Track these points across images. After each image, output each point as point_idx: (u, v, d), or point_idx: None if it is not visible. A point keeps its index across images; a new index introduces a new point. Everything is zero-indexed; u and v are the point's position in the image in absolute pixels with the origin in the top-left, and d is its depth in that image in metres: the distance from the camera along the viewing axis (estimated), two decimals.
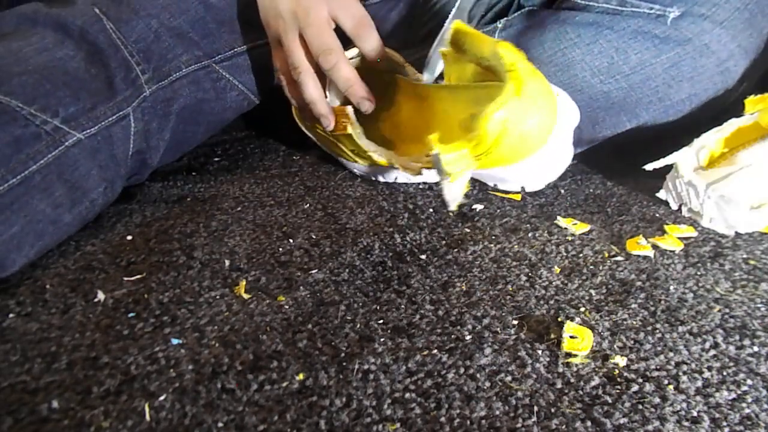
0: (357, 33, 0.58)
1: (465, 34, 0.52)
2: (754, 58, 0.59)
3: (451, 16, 0.58)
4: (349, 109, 0.60)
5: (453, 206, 0.51)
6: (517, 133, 0.49)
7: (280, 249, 0.53)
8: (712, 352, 0.40)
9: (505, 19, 0.63)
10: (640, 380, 0.38)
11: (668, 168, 0.58)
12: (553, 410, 0.36)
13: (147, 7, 0.60)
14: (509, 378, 0.38)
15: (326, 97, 0.61)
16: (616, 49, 0.58)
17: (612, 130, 0.61)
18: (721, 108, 0.60)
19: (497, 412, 0.36)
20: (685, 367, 0.39)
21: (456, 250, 0.52)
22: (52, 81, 0.53)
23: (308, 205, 0.61)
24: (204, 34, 0.63)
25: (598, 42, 0.58)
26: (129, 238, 0.56)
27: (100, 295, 0.47)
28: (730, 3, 0.57)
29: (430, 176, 0.61)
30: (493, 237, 0.54)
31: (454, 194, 0.51)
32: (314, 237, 0.55)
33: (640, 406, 0.36)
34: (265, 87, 0.69)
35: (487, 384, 0.38)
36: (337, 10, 0.57)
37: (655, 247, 0.52)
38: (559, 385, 0.38)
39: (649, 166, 0.58)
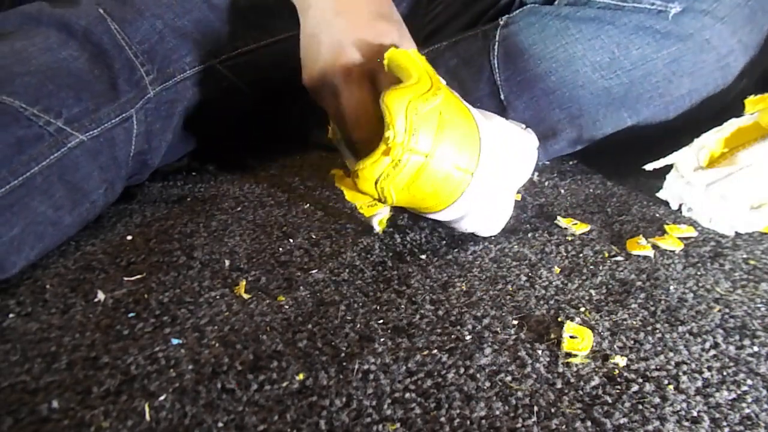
0: None
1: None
2: (754, 54, 0.59)
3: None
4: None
5: (377, 229, 0.54)
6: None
7: (280, 249, 0.53)
8: (712, 352, 0.40)
9: (507, 16, 0.63)
10: (640, 380, 0.38)
11: (668, 168, 0.58)
12: (553, 410, 0.36)
13: (151, 8, 0.60)
14: (509, 378, 0.38)
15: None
16: (617, 44, 0.58)
17: (613, 127, 0.61)
18: (721, 105, 0.60)
19: (497, 412, 0.36)
20: (685, 367, 0.39)
21: (456, 250, 0.52)
22: (56, 82, 0.53)
23: (308, 205, 0.61)
24: (208, 34, 0.62)
25: (600, 37, 0.58)
26: (129, 238, 0.56)
27: (100, 295, 0.47)
28: None
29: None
30: (493, 237, 0.54)
31: (375, 223, 0.53)
32: (314, 237, 0.55)
33: (640, 406, 0.36)
34: (269, 87, 0.68)
35: (487, 384, 0.38)
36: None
37: (655, 247, 0.52)
38: (559, 385, 0.38)
39: (649, 166, 0.58)
